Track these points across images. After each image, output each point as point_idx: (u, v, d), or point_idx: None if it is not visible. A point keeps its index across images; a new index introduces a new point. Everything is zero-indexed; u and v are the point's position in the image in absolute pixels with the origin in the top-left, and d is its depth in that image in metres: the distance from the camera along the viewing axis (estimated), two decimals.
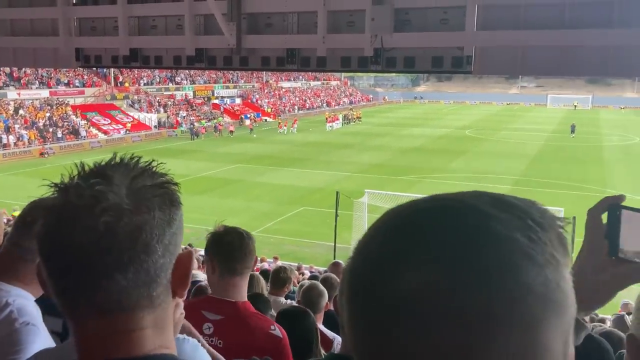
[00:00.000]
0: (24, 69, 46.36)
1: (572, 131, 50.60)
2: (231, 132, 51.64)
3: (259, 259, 14.17)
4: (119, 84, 55.86)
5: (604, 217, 0.87)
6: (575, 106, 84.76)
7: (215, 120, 56.27)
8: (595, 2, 6.31)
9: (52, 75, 50.10)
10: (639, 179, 30.65)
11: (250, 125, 54.14)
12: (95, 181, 0.80)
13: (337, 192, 18.35)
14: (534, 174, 32.00)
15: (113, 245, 0.77)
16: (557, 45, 6.43)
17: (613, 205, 0.85)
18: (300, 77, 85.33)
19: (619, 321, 5.13)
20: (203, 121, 55.43)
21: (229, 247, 2.42)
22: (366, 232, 0.59)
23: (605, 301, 0.89)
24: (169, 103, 58.17)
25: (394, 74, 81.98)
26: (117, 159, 0.85)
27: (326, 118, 58.32)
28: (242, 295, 2.47)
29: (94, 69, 48.25)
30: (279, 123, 57.26)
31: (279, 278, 5.12)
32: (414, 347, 0.52)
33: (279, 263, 13.62)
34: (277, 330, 2.43)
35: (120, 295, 0.79)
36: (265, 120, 62.85)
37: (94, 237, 0.77)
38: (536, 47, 6.64)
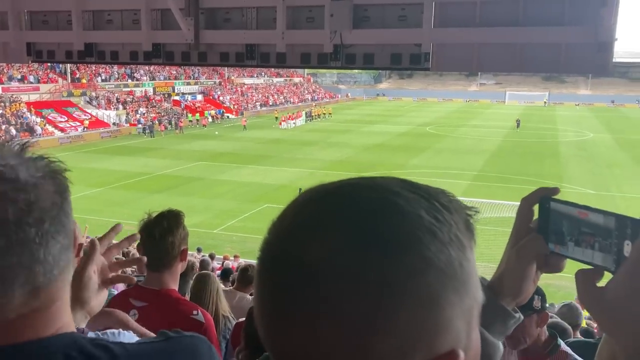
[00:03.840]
0: None
1: (518, 126, 53.21)
2: (204, 125, 53.98)
3: (217, 256, 13.87)
4: (75, 80, 54.38)
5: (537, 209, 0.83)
6: (545, 103, 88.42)
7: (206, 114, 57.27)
8: (548, 0, 6.47)
9: (5, 70, 48.40)
10: (593, 174, 31.69)
11: (244, 122, 53.21)
12: None
13: (299, 189, 18.04)
14: (493, 170, 32.69)
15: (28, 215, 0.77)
16: (511, 42, 6.56)
17: (544, 198, 0.80)
18: (263, 73, 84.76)
19: (567, 309, 5.26)
20: (197, 115, 56.70)
21: (151, 248, 2.50)
22: (282, 209, 0.60)
23: (522, 281, 0.86)
24: (128, 100, 56.98)
25: (356, 70, 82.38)
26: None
27: (288, 115, 58.16)
28: (168, 284, 2.54)
29: (49, 64, 46.84)
30: (276, 118, 57.21)
31: (245, 276, 5.31)
32: (317, 316, 0.52)
33: (241, 261, 13.59)
34: (200, 315, 2.51)
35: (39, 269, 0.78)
36: (228, 117, 62.27)
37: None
38: (491, 45, 6.76)
